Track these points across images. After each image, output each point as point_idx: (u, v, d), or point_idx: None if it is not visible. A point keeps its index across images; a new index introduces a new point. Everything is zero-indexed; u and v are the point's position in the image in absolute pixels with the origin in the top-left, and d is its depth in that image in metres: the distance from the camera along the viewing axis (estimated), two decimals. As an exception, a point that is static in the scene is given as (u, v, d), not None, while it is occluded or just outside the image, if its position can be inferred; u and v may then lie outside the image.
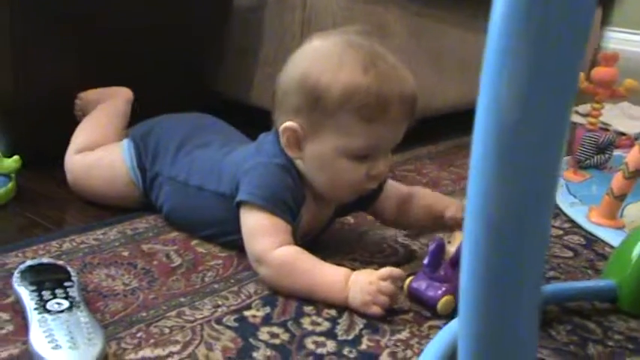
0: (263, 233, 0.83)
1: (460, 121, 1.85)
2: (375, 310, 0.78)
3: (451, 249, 0.82)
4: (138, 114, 1.12)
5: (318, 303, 0.80)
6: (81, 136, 1.08)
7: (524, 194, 0.27)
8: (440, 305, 0.80)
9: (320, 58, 0.84)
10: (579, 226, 1.16)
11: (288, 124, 0.85)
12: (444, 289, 0.81)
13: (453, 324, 0.75)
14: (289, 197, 0.86)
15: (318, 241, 0.93)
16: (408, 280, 0.83)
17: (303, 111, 0.84)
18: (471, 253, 0.29)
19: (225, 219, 0.89)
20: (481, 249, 0.28)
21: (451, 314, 0.80)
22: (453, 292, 0.80)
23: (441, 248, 0.82)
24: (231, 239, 0.90)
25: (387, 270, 0.80)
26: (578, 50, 0.28)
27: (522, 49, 0.27)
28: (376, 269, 0.81)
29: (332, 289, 0.80)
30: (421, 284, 0.82)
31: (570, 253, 1.05)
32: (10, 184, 1.03)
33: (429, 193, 1.02)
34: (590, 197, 1.28)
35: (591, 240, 1.11)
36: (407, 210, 0.98)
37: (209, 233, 0.94)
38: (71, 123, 1.09)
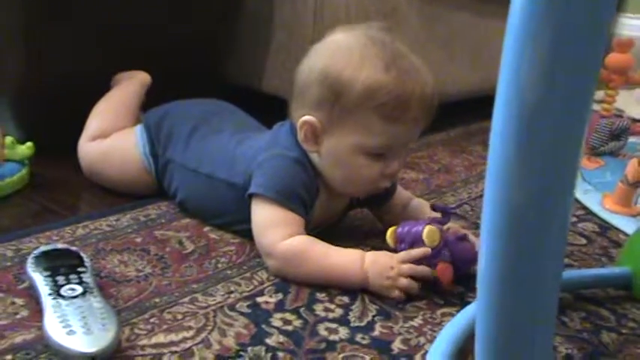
0: (273, 225, 0.84)
1: (471, 107, 1.85)
2: (398, 294, 0.79)
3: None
4: (151, 101, 1.12)
5: (331, 289, 0.80)
6: (94, 122, 1.08)
7: (545, 176, 0.27)
8: (425, 235, 0.81)
9: (342, 53, 0.83)
10: (593, 214, 1.15)
11: (307, 117, 0.84)
12: (426, 222, 0.82)
13: (466, 311, 0.75)
14: (302, 190, 0.86)
15: (329, 232, 0.93)
16: (391, 230, 0.84)
17: (322, 105, 0.83)
18: (490, 236, 0.28)
19: (236, 208, 0.89)
20: (501, 232, 0.28)
21: (463, 302, 0.80)
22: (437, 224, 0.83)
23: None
24: (243, 228, 0.90)
25: (406, 252, 0.81)
26: (600, 32, 0.28)
27: (544, 31, 0.26)
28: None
29: (348, 272, 0.80)
30: (404, 226, 0.84)
31: (584, 241, 1.04)
32: (24, 171, 1.03)
33: (422, 202, 1.01)
34: (604, 184, 1.27)
35: (605, 227, 1.10)
36: (408, 215, 0.97)
37: (220, 221, 0.94)
38: (84, 109, 1.09)
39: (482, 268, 0.29)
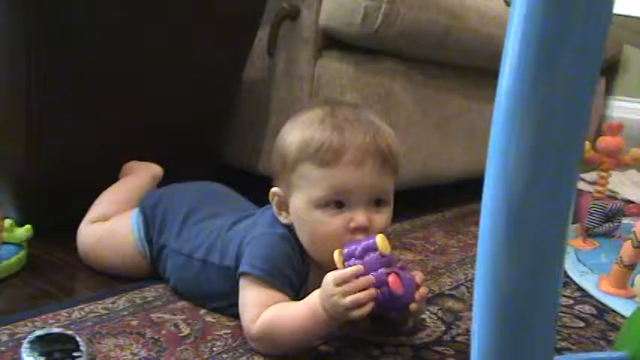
0: (251, 306, 0.85)
1: (466, 188, 1.87)
2: (357, 312, 0.79)
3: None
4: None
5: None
6: (98, 207, 1.09)
7: (533, 264, 0.28)
8: (379, 242, 0.81)
9: (293, 124, 0.89)
10: (590, 296, 1.15)
11: (273, 189, 0.90)
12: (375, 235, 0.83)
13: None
14: (289, 268, 0.87)
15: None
16: (337, 252, 0.83)
17: (278, 174, 0.89)
18: (481, 323, 0.29)
19: (230, 292, 0.89)
20: (492, 319, 0.28)
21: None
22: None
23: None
24: (237, 311, 0.90)
25: (338, 272, 0.81)
26: (582, 121, 0.29)
27: (528, 122, 0.28)
28: None
29: (316, 315, 0.80)
30: (350, 245, 0.83)
31: (582, 324, 1.04)
32: (22, 253, 1.04)
33: None
34: (599, 266, 1.28)
35: (602, 310, 1.10)
36: None
37: (215, 306, 0.94)
38: (83, 192, 1.10)
39: (476, 349, 0.30)
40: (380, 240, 0.82)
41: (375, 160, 0.85)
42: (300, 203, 0.87)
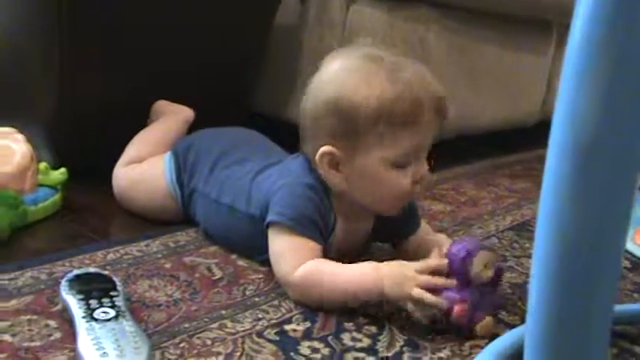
0: (287, 254, 0.84)
1: (497, 140, 1.85)
2: (411, 307, 0.78)
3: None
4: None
5: (359, 320, 0.80)
6: (132, 149, 1.10)
7: (600, 212, 0.27)
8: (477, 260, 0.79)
9: (345, 79, 0.85)
10: (625, 249, 1.13)
11: (326, 148, 0.85)
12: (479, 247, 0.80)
13: (496, 344, 0.75)
14: (318, 216, 0.86)
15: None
16: (436, 251, 0.82)
17: (339, 133, 0.85)
18: (542, 272, 0.28)
19: (257, 238, 0.90)
20: (554, 267, 0.28)
21: (492, 335, 0.79)
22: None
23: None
24: (265, 258, 0.90)
25: (423, 261, 0.80)
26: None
27: (602, 67, 0.27)
28: None
29: (364, 284, 0.80)
30: (457, 244, 0.80)
31: (614, 276, 1.03)
32: (57, 196, 1.05)
33: (442, 236, 0.99)
34: (635, 219, 1.26)
35: (636, 263, 1.09)
36: (426, 250, 0.96)
37: (244, 251, 0.95)
38: (117, 134, 1.11)
39: (533, 303, 0.29)
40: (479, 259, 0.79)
41: (438, 113, 0.86)
42: (371, 163, 0.85)
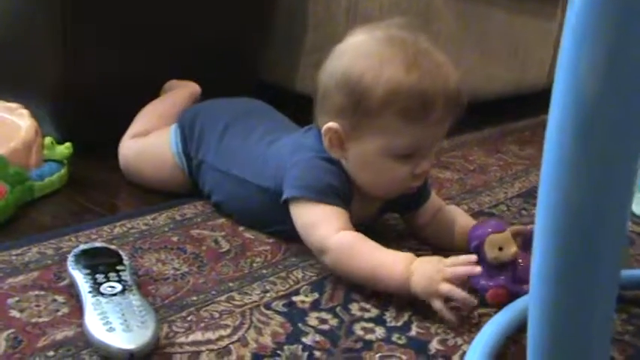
0: (319, 223, 0.82)
1: (506, 106, 1.82)
2: (439, 305, 0.73)
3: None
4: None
5: (367, 290, 0.80)
6: (138, 122, 1.10)
7: (603, 173, 0.26)
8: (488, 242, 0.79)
9: (362, 56, 0.81)
10: (635, 215, 1.13)
11: (331, 124, 0.83)
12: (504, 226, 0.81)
13: (506, 311, 0.74)
14: (339, 184, 0.85)
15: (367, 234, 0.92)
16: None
17: (345, 111, 0.82)
18: (545, 235, 0.28)
19: (267, 211, 0.89)
20: (557, 230, 0.27)
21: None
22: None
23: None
24: (276, 230, 0.90)
25: (454, 257, 0.76)
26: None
27: (603, 26, 0.25)
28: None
29: (393, 272, 0.76)
30: (478, 228, 0.82)
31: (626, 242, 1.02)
32: (63, 171, 1.05)
33: (456, 209, 0.98)
34: (644, 184, 1.24)
35: (646, 228, 1.08)
36: (439, 220, 0.95)
37: (253, 223, 0.94)
38: (122, 109, 1.10)
39: (536, 267, 0.28)
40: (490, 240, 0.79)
41: (454, 112, 0.83)
42: (370, 148, 0.83)
